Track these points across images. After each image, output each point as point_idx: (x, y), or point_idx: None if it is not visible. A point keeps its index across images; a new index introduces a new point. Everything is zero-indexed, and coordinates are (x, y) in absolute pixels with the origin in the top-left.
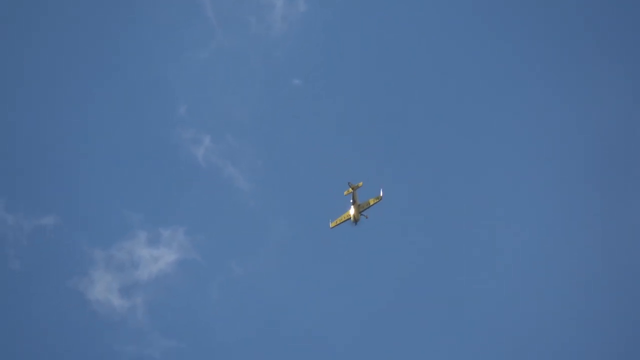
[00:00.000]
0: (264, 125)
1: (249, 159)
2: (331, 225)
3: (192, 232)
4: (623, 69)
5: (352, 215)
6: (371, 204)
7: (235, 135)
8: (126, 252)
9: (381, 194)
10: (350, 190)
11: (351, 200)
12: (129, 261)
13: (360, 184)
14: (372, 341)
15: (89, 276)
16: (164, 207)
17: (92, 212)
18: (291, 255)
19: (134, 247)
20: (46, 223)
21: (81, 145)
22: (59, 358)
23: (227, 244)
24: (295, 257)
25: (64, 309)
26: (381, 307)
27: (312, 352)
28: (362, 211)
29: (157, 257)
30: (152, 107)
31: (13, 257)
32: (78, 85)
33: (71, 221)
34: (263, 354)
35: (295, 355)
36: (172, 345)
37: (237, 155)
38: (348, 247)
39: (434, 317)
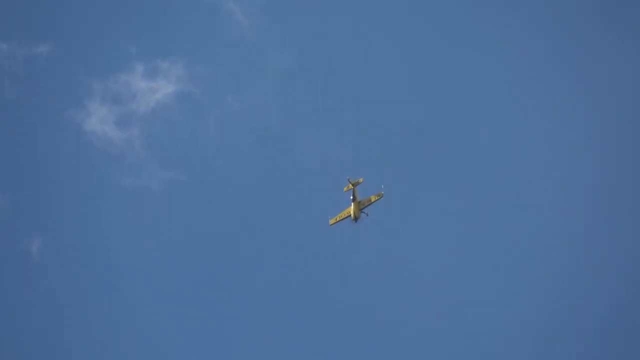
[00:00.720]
0: None
1: None
2: (330, 222)
3: (190, 64)
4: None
5: (352, 213)
6: (372, 200)
7: None
8: (124, 84)
9: (382, 191)
10: (350, 186)
11: (351, 197)
12: (127, 93)
13: (361, 180)
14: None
15: (86, 108)
16: (162, 40)
17: (88, 43)
18: (289, 89)
19: (132, 79)
20: (41, 51)
21: None
22: (58, 187)
23: (225, 77)
24: (292, 91)
25: (60, 140)
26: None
27: (308, 180)
28: (363, 208)
29: (154, 89)
30: None
31: (8, 87)
32: None
33: (67, 51)
34: (260, 184)
35: (290, 182)
36: (170, 176)
37: None
38: (346, 85)
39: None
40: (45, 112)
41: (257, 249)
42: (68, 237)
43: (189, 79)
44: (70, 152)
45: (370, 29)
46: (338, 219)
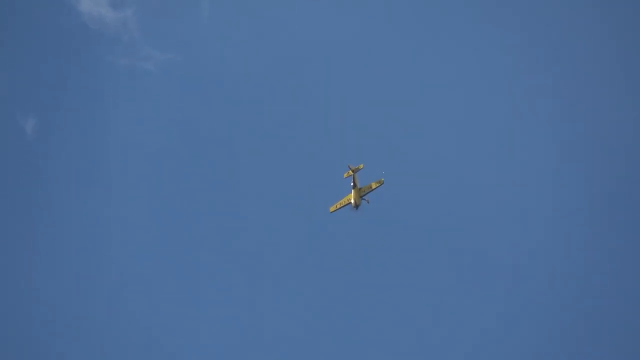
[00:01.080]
0: None
1: None
2: (331, 210)
3: None
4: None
5: (352, 200)
6: (373, 187)
7: None
8: None
9: (383, 178)
10: (351, 172)
11: (352, 184)
12: None
13: (361, 166)
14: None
15: None
16: None
17: None
18: None
19: None
20: None
21: None
22: (53, 68)
23: None
24: None
25: (55, 20)
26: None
27: (305, 60)
28: (364, 195)
29: None
30: None
31: None
32: None
33: None
34: (256, 68)
35: (287, 64)
36: (165, 58)
37: None
38: None
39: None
40: None
41: (253, 130)
42: (63, 117)
43: None
44: (65, 32)
45: None
46: (338, 207)
